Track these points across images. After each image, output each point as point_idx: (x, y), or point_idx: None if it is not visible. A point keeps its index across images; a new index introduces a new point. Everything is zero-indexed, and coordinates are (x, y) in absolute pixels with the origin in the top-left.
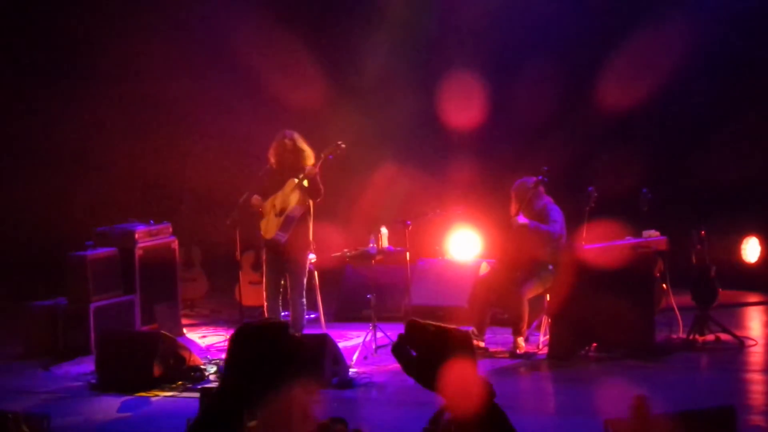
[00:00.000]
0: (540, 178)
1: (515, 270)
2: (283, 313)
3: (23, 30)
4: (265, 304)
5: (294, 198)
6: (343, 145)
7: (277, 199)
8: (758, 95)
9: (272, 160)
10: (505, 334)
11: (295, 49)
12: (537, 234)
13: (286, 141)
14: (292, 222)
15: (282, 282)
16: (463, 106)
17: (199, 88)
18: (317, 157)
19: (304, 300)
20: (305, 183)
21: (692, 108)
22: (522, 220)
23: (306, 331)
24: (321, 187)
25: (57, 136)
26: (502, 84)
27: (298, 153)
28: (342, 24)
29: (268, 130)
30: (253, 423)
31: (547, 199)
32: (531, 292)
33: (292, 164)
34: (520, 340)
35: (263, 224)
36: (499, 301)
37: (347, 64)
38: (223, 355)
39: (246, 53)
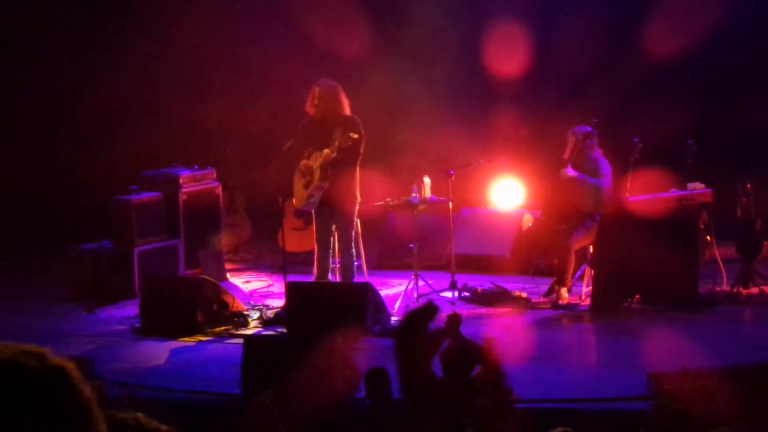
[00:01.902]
0: (591, 130)
1: (561, 221)
2: (331, 261)
3: None
4: (316, 253)
5: (317, 174)
6: (355, 136)
7: (306, 166)
8: None
9: (308, 110)
10: (547, 285)
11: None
12: (585, 186)
13: (317, 89)
14: (315, 198)
15: (332, 231)
16: (506, 55)
17: (245, 35)
18: (332, 146)
19: (354, 251)
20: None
21: (737, 58)
22: (571, 172)
23: None
24: (351, 154)
25: (102, 81)
26: (545, 33)
27: (331, 101)
28: None
29: (313, 78)
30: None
31: (598, 152)
32: (578, 242)
33: (329, 113)
34: (564, 291)
35: (295, 189)
36: (544, 252)
37: (392, 13)
38: (266, 301)
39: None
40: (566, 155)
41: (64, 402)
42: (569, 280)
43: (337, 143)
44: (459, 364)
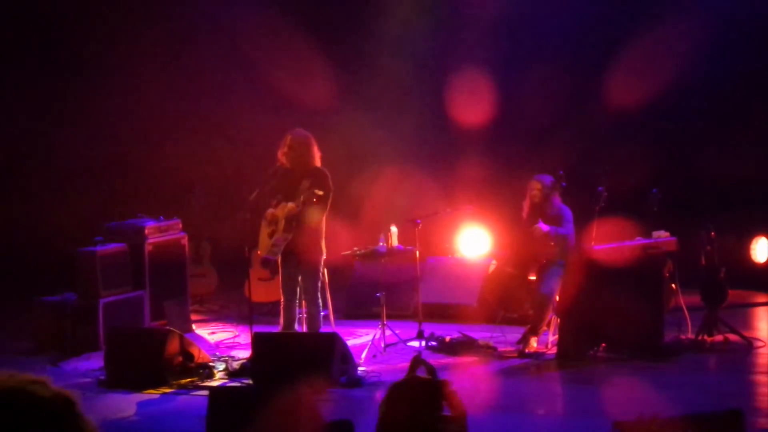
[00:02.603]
0: (555, 181)
1: (529, 270)
2: (299, 312)
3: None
4: (282, 304)
5: (282, 224)
6: (320, 193)
7: (272, 215)
8: (765, 92)
9: (280, 157)
10: (514, 333)
11: (305, 50)
12: (555, 238)
13: (289, 138)
14: (279, 248)
15: (298, 281)
16: (472, 105)
17: (210, 85)
18: (297, 200)
19: (320, 301)
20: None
21: (701, 107)
22: (544, 228)
23: None
24: (316, 210)
25: (65, 135)
26: (510, 83)
27: (302, 151)
28: (351, 22)
29: (279, 128)
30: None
31: (558, 200)
32: (557, 291)
33: (299, 163)
34: (534, 340)
35: (261, 237)
36: (512, 301)
37: (357, 63)
38: (232, 352)
39: (257, 52)
40: (526, 206)
41: (71, 429)
42: (542, 329)
43: (302, 198)
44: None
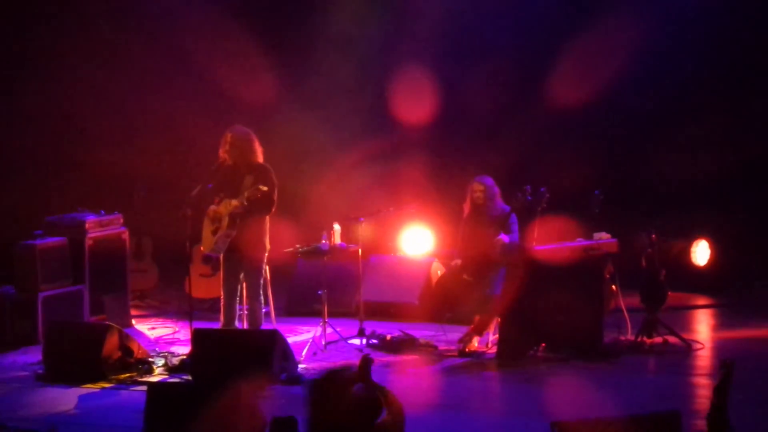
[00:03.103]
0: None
1: (477, 273)
2: (239, 307)
3: None
4: (222, 301)
5: (226, 221)
6: (264, 188)
7: (216, 214)
8: (707, 98)
9: (221, 155)
10: (455, 332)
11: (246, 46)
12: (511, 246)
13: (230, 135)
14: (222, 245)
15: (240, 279)
16: (416, 103)
17: (151, 80)
18: (241, 196)
19: (262, 298)
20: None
21: (644, 109)
22: (506, 239)
23: None
24: (261, 203)
25: (5, 128)
26: (454, 81)
27: (243, 148)
28: (293, 20)
29: (222, 125)
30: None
31: (500, 201)
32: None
33: (240, 159)
34: (475, 340)
35: (204, 234)
36: (461, 306)
37: (299, 61)
38: (171, 348)
39: (199, 48)
40: (466, 204)
41: None
42: (487, 331)
43: (246, 194)
44: (365, 411)
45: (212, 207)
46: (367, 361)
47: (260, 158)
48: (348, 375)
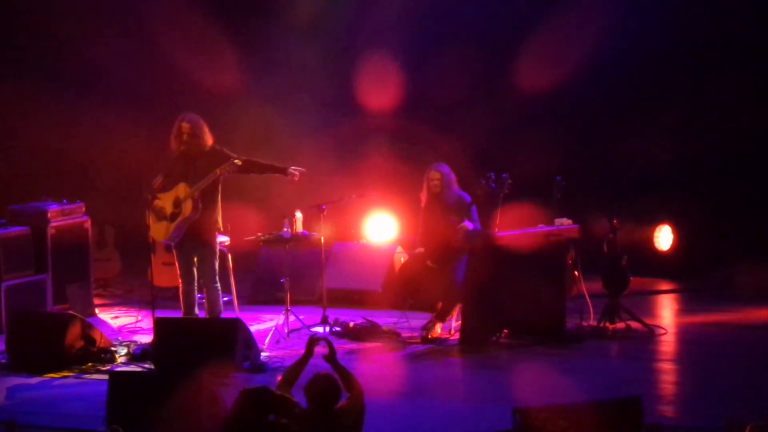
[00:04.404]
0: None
1: (440, 259)
2: (198, 296)
3: None
4: (181, 288)
5: (187, 206)
6: (238, 162)
7: (168, 201)
8: (669, 82)
9: (174, 146)
10: (418, 319)
11: (211, 32)
12: (474, 233)
13: (187, 126)
14: (182, 229)
15: (195, 263)
16: (379, 89)
17: (113, 67)
18: (211, 172)
19: (218, 284)
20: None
21: (606, 96)
22: (470, 226)
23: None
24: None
25: None
26: (417, 67)
27: (200, 135)
28: (259, 7)
29: (183, 112)
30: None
31: (456, 188)
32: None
33: (192, 147)
34: (438, 326)
35: (153, 222)
36: (424, 292)
37: (262, 47)
38: (134, 337)
39: (164, 35)
40: (423, 193)
41: None
42: (450, 318)
43: (218, 171)
44: (325, 394)
45: (161, 194)
46: (312, 341)
47: (210, 142)
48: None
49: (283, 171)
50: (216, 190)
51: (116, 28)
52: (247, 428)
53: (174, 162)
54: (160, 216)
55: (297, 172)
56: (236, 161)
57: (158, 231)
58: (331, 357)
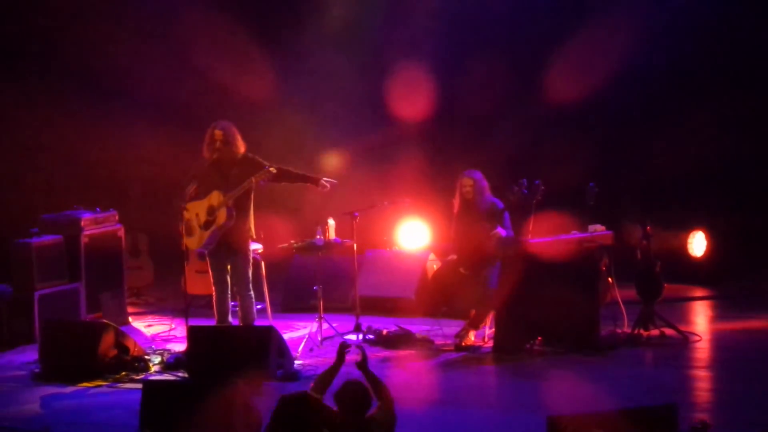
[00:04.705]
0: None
1: (473, 266)
2: (232, 304)
3: None
4: (215, 296)
5: (222, 214)
6: (273, 170)
7: (201, 209)
8: (700, 88)
9: (207, 154)
10: (451, 327)
11: (242, 41)
12: (507, 240)
13: (220, 134)
14: (216, 237)
15: (229, 270)
16: (411, 97)
17: (145, 75)
18: (245, 179)
19: (252, 292)
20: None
21: (638, 103)
22: (503, 233)
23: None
24: (247, 194)
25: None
26: (449, 75)
27: (233, 143)
28: (290, 16)
29: (216, 119)
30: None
31: (489, 194)
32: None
33: (225, 155)
34: (471, 334)
35: (186, 231)
36: (457, 300)
37: (295, 57)
38: (168, 345)
39: (195, 44)
40: (456, 199)
41: None
42: (484, 325)
43: (253, 179)
44: (356, 401)
45: (194, 202)
46: (343, 348)
47: (243, 149)
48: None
49: (315, 181)
50: (249, 198)
51: (147, 36)
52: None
53: (207, 170)
54: (191, 227)
55: (328, 184)
56: (271, 169)
57: (191, 239)
58: (363, 364)
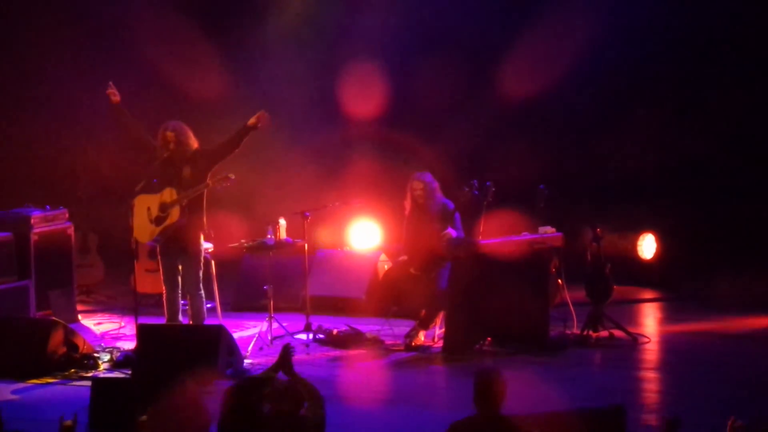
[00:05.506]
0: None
1: (424, 267)
2: (182, 303)
3: None
4: (165, 295)
5: (175, 212)
6: (232, 177)
7: (153, 203)
8: (650, 92)
9: (158, 153)
10: (402, 327)
11: (193, 38)
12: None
13: (171, 135)
14: (166, 233)
15: (179, 270)
16: (363, 96)
17: (96, 75)
18: (200, 177)
19: (202, 291)
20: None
21: (588, 104)
22: (453, 233)
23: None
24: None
25: None
26: (401, 74)
27: (185, 142)
28: (241, 13)
29: (166, 118)
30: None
31: (440, 195)
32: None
33: (177, 154)
34: (421, 334)
35: (136, 223)
36: (407, 300)
37: (247, 53)
38: (117, 343)
39: (146, 42)
40: (407, 201)
41: None
42: (434, 325)
43: (209, 183)
44: (286, 402)
45: (143, 196)
46: (287, 351)
47: (196, 145)
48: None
49: (249, 128)
50: (202, 197)
51: (101, 35)
52: (245, 424)
53: (159, 167)
54: (141, 220)
55: (259, 118)
56: (230, 176)
57: (142, 233)
58: (287, 366)
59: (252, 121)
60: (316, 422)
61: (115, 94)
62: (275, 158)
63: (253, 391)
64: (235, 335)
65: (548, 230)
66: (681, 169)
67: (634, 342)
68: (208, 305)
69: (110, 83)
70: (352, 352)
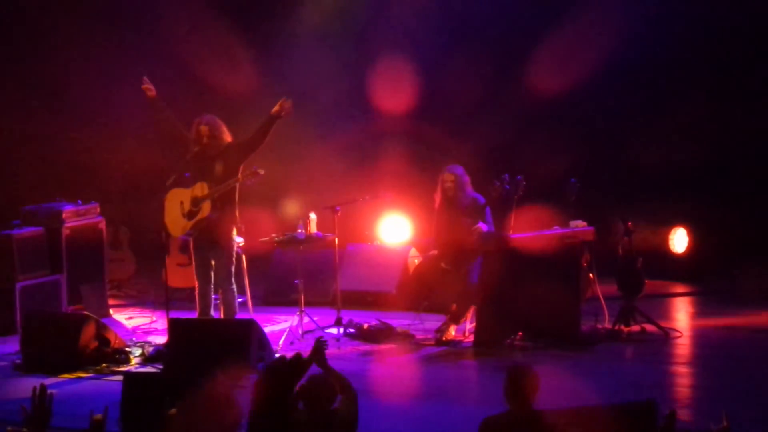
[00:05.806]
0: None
1: (455, 261)
2: (213, 297)
3: None
4: (197, 289)
5: (206, 206)
6: (261, 172)
7: (186, 198)
8: (684, 84)
9: (192, 147)
10: (432, 321)
11: (223, 33)
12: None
13: (205, 128)
14: (199, 227)
15: (212, 265)
16: (394, 91)
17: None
18: (232, 171)
19: (234, 285)
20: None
21: (621, 96)
22: (484, 228)
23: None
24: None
25: None
26: (431, 69)
27: (218, 136)
28: (273, 7)
29: (198, 112)
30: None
31: (470, 189)
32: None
33: (210, 148)
34: (452, 328)
35: (169, 218)
36: (438, 294)
37: (276, 50)
38: (148, 338)
39: (176, 37)
40: (437, 194)
41: None
42: (464, 320)
43: (240, 178)
44: (319, 396)
45: (176, 190)
46: (320, 344)
47: (229, 139)
48: (300, 363)
49: (273, 117)
50: (234, 191)
51: (132, 31)
52: (276, 409)
53: (191, 160)
54: (174, 213)
55: (281, 105)
56: (259, 171)
57: (175, 227)
58: (321, 359)
59: (275, 109)
60: (348, 417)
61: (150, 89)
62: (306, 152)
63: (286, 372)
64: (266, 329)
65: (579, 224)
66: (713, 163)
67: (666, 336)
68: (240, 299)
69: (144, 78)
70: (383, 347)
